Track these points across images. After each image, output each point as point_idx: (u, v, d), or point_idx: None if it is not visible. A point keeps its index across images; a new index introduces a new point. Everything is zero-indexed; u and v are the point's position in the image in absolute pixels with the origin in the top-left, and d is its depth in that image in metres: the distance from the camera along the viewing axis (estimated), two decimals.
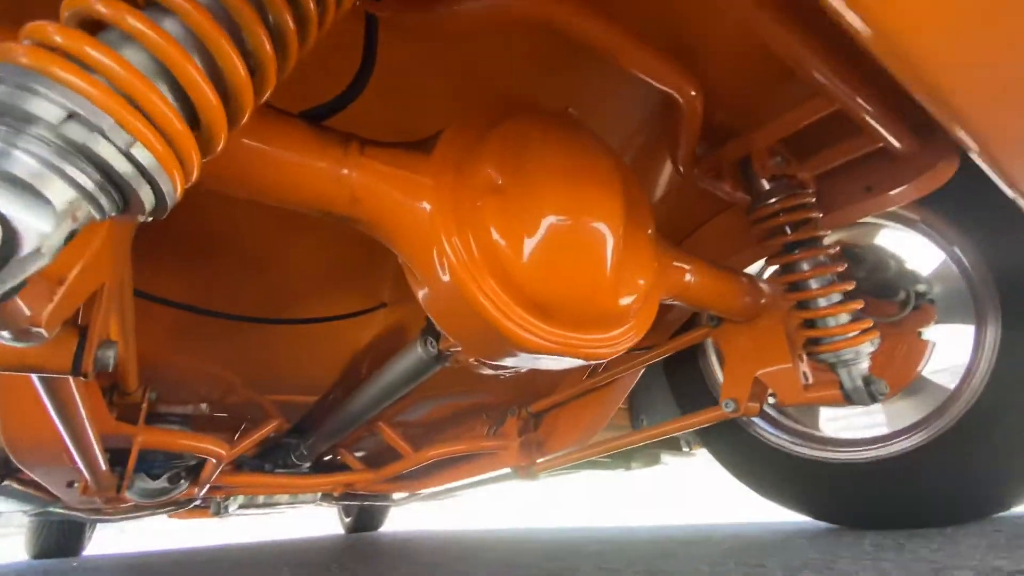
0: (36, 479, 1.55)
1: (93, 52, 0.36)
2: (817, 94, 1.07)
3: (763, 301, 1.31)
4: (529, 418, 2.17)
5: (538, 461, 2.11)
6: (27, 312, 0.41)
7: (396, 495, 3.49)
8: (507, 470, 2.28)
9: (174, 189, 0.42)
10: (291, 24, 0.50)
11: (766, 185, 1.22)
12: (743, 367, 1.34)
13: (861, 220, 1.46)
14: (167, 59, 0.40)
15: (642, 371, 1.88)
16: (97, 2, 0.37)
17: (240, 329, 1.56)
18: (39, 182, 0.35)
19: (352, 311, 1.57)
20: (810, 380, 1.27)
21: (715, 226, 1.49)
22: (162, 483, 2.11)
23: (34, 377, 0.63)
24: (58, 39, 0.35)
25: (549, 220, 0.75)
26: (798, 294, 1.19)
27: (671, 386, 1.98)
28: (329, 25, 0.58)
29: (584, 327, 0.82)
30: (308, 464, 2.66)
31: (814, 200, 1.20)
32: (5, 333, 0.41)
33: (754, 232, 1.27)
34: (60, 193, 0.36)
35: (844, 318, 1.15)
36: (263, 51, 0.48)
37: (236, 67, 0.45)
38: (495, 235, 0.74)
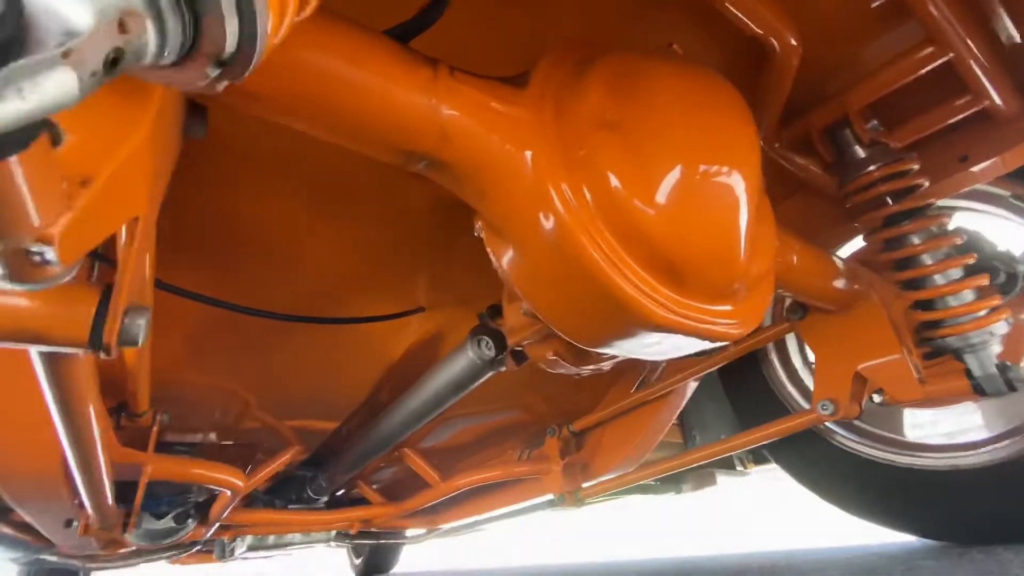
0: (28, 519, 1.35)
1: None
2: (925, 42, 0.95)
3: (857, 286, 1.16)
4: (571, 438, 1.97)
5: (584, 486, 1.91)
6: (32, 212, 0.26)
7: (412, 531, 3.25)
8: (546, 498, 2.08)
9: (267, 31, 0.28)
10: None
11: (861, 153, 1.09)
12: (840, 363, 1.18)
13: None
14: None
15: (697, 382, 1.72)
16: None
17: (260, 340, 1.39)
18: None
19: (386, 315, 1.41)
20: (920, 372, 1.11)
21: (789, 209, 1.36)
22: (167, 523, 1.90)
23: (38, 363, 0.47)
24: None
25: (683, 162, 0.60)
26: (908, 272, 1.04)
27: (730, 397, 1.80)
28: None
29: (714, 298, 0.67)
30: (325, 498, 2.44)
31: (918, 166, 1.06)
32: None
33: (847, 207, 1.13)
34: None
35: (968, 295, 1.00)
36: None
37: None
38: (614, 180, 0.59)
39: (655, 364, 1.73)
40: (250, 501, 2.25)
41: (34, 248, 0.29)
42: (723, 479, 2.19)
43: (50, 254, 0.29)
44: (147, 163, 0.36)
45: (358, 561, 4.64)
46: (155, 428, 1.24)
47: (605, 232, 0.60)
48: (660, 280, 0.62)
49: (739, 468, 2.17)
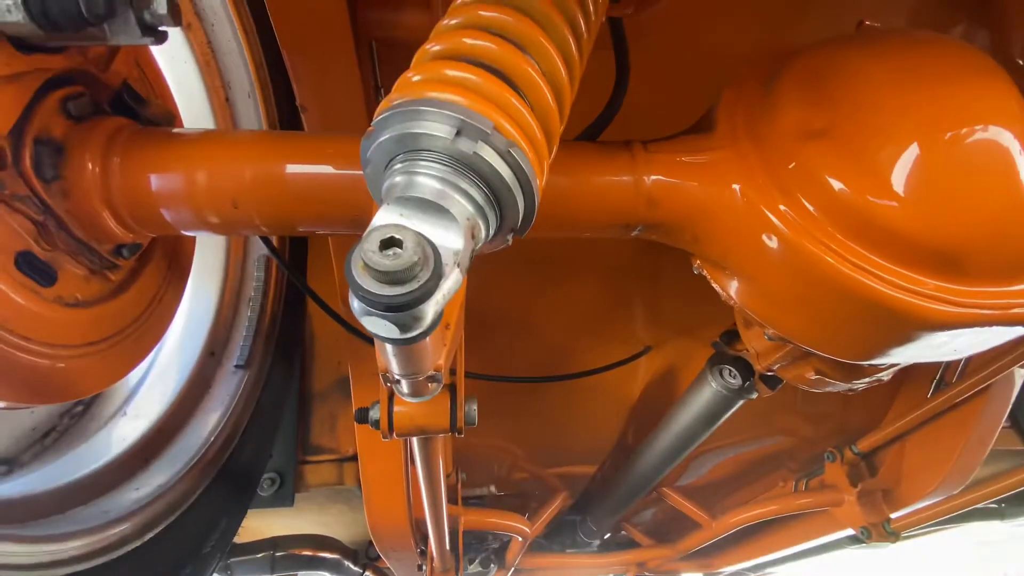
0: (390, 566, 1.76)
1: (468, 75, 0.37)
2: None
3: None
4: (858, 461, 1.69)
5: (892, 517, 1.60)
6: (430, 354, 0.42)
7: (689, 575, 3.09)
8: (845, 534, 1.79)
9: (536, 197, 0.40)
10: (574, 50, 0.48)
11: None
12: None
13: None
14: (519, 76, 0.40)
15: None
16: (455, 33, 0.39)
17: (519, 401, 1.61)
18: (443, 201, 0.34)
19: (618, 360, 1.49)
20: None
21: None
22: (476, 567, 2.23)
23: (416, 447, 0.68)
24: (439, 69, 0.37)
25: (918, 139, 0.55)
26: None
27: None
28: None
29: (1008, 277, 0.56)
30: (596, 541, 2.54)
31: None
32: (416, 376, 0.43)
33: None
34: (460, 209, 0.35)
35: None
36: (559, 76, 0.46)
37: (547, 89, 0.43)
38: (836, 184, 0.58)
39: (953, 359, 1.41)
40: (534, 547, 2.49)
41: (431, 375, 0.45)
42: None
43: (439, 376, 0.45)
44: (463, 304, 0.52)
45: None
46: (459, 486, 1.53)
47: (841, 237, 0.58)
48: (926, 272, 0.56)
49: None
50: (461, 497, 1.95)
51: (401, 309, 0.30)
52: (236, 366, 0.94)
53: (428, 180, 0.35)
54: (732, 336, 1.11)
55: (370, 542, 1.68)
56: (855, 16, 0.73)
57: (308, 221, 0.66)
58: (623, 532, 2.68)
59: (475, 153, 0.35)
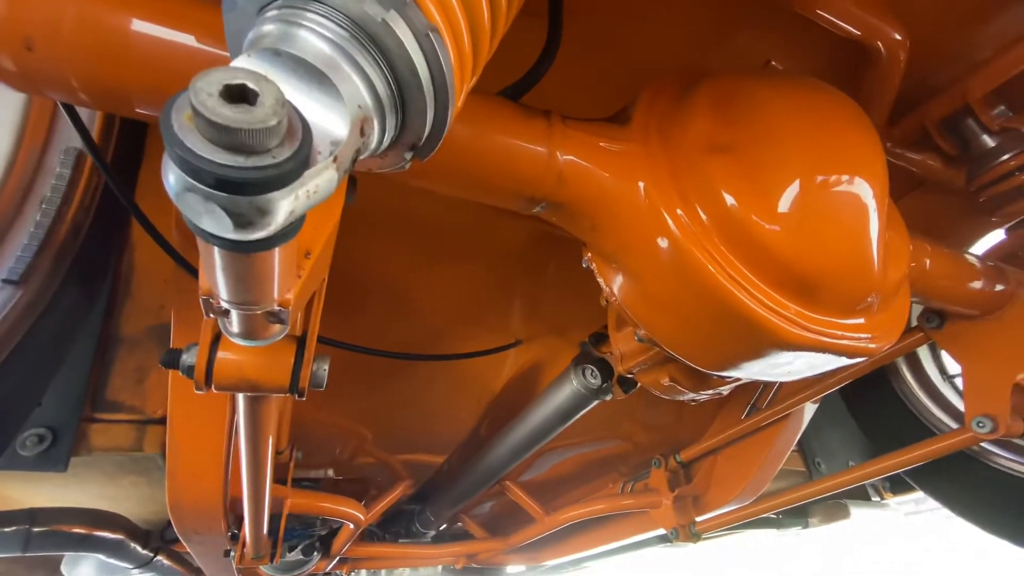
0: (188, 552, 1.52)
1: None
2: None
3: (1003, 287, 1.04)
4: (679, 469, 1.89)
5: (697, 520, 1.81)
6: (277, 282, 0.33)
7: (514, 567, 3.21)
8: (656, 533, 1.98)
9: (450, 109, 0.33)
10: None
11: (990, 141, 0.99)
12: (994, 373, 1.05)
13: None
14: None
15: (817, 404, 1.59)
16: None
17: (375, 379, 1.50)
18: (331, 71, 0.26)
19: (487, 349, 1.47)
20: None
21: (909, 207, 1.25)
22: (296, 555, 2.04)
23: (241, 406, 0.56)
24: None
25: (803, 175, 0.60)
26: None
27: (856, 419, 1.64)
28: None
29: (847, 312, 0.64)
30: (432, 532, 2.50)
31: None
32: (252, 307, 0.33)
33: (980, 201, 1.03)
34: (351, 90, 0.27)
35: None
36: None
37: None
38: (730, 199, 0.60)
39: (766, 388, 1.63)
40: (364, 535, 2.36)
41: (274, 311, 0.35)
42: (857, 511, 1.97)
43: (284, 315, 0.36)
44: (334, 238, 0.43)
45: None
46: (292, 464, 1.37)
47: (725, 251, 0.60)
48: (789, 296, 0.61)
49: (875, 499, 1.94)
50: (292, 478, 1.76)
51: (240, 190, 0.21)
52: (4, 280, 0.71)
53: (314, 38, 0.26)
54: (600, 338, 1.15)
55: (168, 522, 1.42)
56: (764, 55, 0.78)
57: (150, 98, 0.50)
58: (459, 524, 2.68)
59: (383, 21, 0.27)
